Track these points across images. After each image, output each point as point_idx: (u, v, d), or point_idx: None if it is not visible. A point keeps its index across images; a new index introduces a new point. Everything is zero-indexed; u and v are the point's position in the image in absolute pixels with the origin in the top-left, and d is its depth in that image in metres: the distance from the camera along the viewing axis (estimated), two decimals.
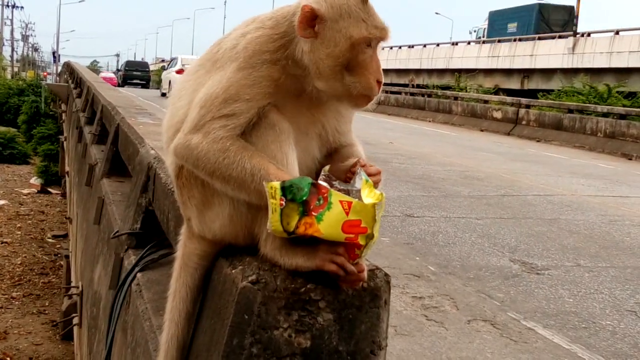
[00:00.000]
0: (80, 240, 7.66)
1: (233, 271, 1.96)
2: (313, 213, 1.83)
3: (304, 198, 1.84)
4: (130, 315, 3.28)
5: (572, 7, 48.14)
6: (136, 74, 50.61)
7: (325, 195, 1.84)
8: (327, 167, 2.00)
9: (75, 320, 7.15)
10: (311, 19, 2.07)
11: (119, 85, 39.74)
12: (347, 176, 2.06)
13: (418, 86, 45.28)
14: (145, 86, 47.85)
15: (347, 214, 1.82)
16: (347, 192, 1.89)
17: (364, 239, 1.84)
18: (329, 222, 1.82)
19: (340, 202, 1.83)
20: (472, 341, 5.16)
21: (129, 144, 4.87)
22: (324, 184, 1.88)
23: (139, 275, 3.18)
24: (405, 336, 5.14)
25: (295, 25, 2.10)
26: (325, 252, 1.88)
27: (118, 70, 51.92)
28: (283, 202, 1.84)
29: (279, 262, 1.94)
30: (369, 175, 1.99)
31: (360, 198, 1.87)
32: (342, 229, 1.82)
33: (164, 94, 34.87)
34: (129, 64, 57.84)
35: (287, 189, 1.85)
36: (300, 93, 2.15)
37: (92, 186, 6.99)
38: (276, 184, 1.86)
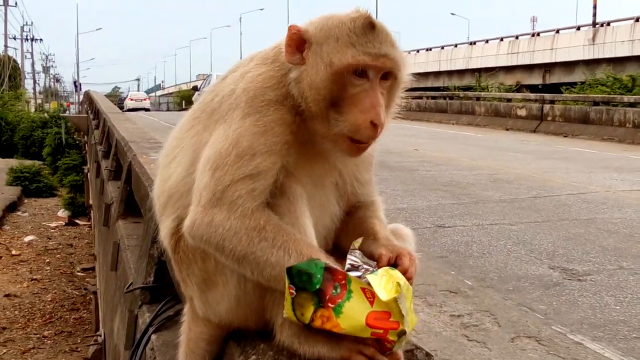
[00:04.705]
0: (101, 283, 7.48)
1: None
2: (330, 304, 1.51)
3: (317, 286, 1.52)
4: None
5: None
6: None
7: (343, 282, 1.52)
8: (358, 241, 1.67)
9: None
10: (299, 43, 1.76)
11: None
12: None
13: (439, 89, 44.94)
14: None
15: (371, 304, 1.51)
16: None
17: (395, 335, 1.52)
18: (349, 315, 1.50)
19: (362, 289, 1.52)
20: None
21: (141, 185, 4.64)
22: (350, 264, 1.56)
23: (153, 337, 2.93)
24: None
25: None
26: (352, 341, 1.57)
27: (116, 103, 69.03)
28: (293, 291, 1.53)
29: (298, 350, 1.63)
30: (403, 273, 1.64)
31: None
32: (367, 322, 1.50)
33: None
34: (120, 99, 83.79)
35: (294, 276, 1.52)
36: (312, 136, 1.82)
37: (109, 227, 6.77)
38: None
